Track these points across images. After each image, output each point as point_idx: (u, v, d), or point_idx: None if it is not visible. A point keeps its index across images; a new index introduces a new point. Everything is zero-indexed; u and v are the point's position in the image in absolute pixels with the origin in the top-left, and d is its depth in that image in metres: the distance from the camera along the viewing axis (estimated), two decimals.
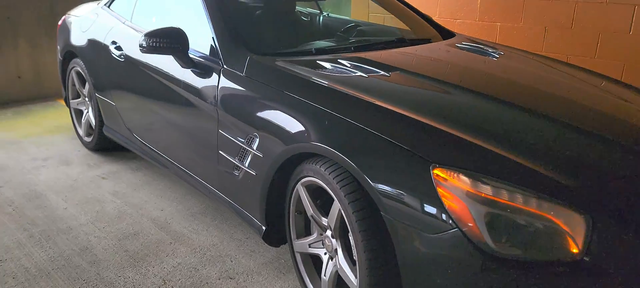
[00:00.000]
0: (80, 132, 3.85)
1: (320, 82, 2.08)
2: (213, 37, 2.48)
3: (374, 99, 1.93)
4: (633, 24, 3.61)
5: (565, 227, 1.51)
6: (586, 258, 1.49)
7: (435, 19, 3.43)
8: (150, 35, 2.43)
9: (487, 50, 2.77)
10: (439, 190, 1.57)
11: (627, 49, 3.67)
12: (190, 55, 2.51)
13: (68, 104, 3.96)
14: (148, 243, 2.58)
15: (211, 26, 2.52)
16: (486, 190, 1.54)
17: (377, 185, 1.67)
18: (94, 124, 3.60)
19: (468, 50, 2.76)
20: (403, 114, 1.82)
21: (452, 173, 1.57)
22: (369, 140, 1.75)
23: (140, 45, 2.45)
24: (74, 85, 3.81)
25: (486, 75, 2.39)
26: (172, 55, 2.51)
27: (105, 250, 2.51)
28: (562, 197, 1.53)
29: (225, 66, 2.37)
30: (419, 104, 1.97)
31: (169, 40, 2.43)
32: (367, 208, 1.75)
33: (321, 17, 3.55)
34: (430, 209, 1.58)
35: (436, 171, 1.59)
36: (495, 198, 1.53)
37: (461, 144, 1.68)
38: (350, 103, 1.93)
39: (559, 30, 3.92)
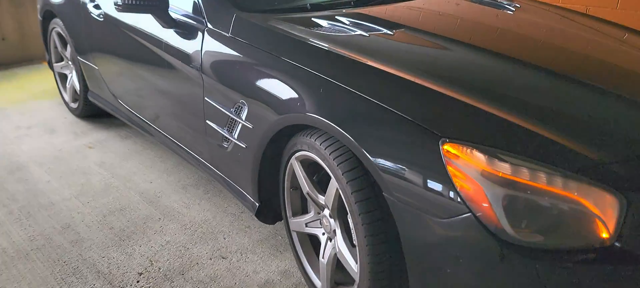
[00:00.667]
0: (66, 97, 3.64)
1: (316, 43, 1.85)
2: None
3: (375, 62, 1.70)
4: None
5: (594, 209, 1.31)
6: (618, 244, 1.30)
7: None
8: None
9: (503, 2, 2.51)
10: (449, 168, 1.36)
11: None
12: (171, 14, 2.27)
13: (52, 68, 3.74)
14: (135, 219, 2.41)
15: None
16: (504, 169, 1.33)
17: (378, 161, 1.47)
18: (79, 89, 3.39)
19: (480, 2, 2.50)
20: (408, 79, 1.59)
21: (465, 148, 1.36)
22: (369, 110, 1.53)
23: (115, 3, 2.21)
24: (55, 47, 3.57)
25: (502, 33, 2.14)
26: (151, 14, 2.26)
27: (88, 227, 2.34)
28: (591, 174, 1.32)
29: (209, 25, 2.13)
30: (426, 67, 1.73)
31: None
32: (367, 188, 1.55)
33: None
34: (439, 190, 1.37)
35: (446, 146, 1.38)
36: (515, 178, 1.32)
37: (475, 114, 1.46)
38: (347, 67, 1.70)
39: None
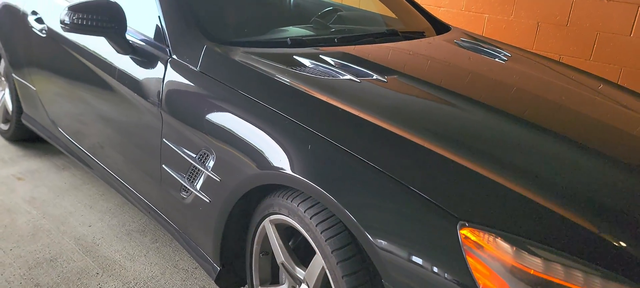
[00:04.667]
0: None
1: (302, 89, 1.57)
2: (159, 16, 1.93)
3: (374, 117, 1.44)
4: (635, 25, 3.28)
5: None
6: None
7: (420, 5, 2.97)
8: (75, 9, 1.85)
9: (491, 50, 2.33)
10: (470, 259, 1.12)
11: (626, 52, 3.34)
12: (129, 38, 1.95)
13: None
14: (67, 273, 2.03)
15: (157, 1, 1.97)
16: (536, 265, 1.10)
17: (378, 241, 1.21)
18: (11, 109, 2.96)
19: (471, 49, 2.31)
20: (415, 143, 1.35)
21: (488, 236, 1.13)
22: (372, 179, 1.27)
23: (62, 22, 1.87)
24: None
25: (510, 89, 1.91)
26: (105, 37, 1.93)
27: (8, 283, 1.95)
28: (634, 273, 1.11)
29: (173, 56, 1.83)
30: (433, 126, 1.49)
31: (100, 17, 1.85)
32: (363, 272, 1.29)
33: None
34: (454, 285, 1.13)
35: (465, 231, 1.14)
36: (548, 277, 1.09)
37: (498, 192, 1.23)
38: (342, 122, 1.44)
39: (553, 27, 3.55)
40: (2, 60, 2.93)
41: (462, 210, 1.17)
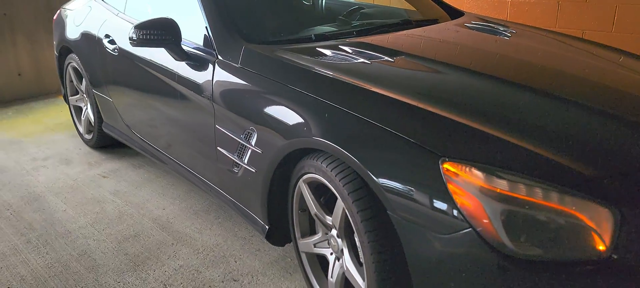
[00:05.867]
0: (81, 129, 3.76)
1: (320, 71, 1.95)
2: (206, 27, 2.35)
3: (376, 87, 1.79)
4: None
5: (590, 223, 1.37)
6: (614, 256, 1.36)
7: None
8: (140, 27, 2.30)
9: (498, 29, 2.61)
10: (450, 186, 1.43)
11: None
12: (184, 47, 2.38)
13: (67, 101, 3.87)
14: (149, 245, 2.48)
15: (204, 14, 2.39)
16: (502, 185, 1.40)
17: (382, 181, 1.54)
18: (93, 120, 3.50)
19: (478, 30, 2.60)
20: (408, 103, 1.68)
21: (464, 167, 1.44)
22: (372, 133, 1.61)
23: (130, 38, 2.32)
24: (71, 81, 3.71)
25: (498, 57, 2.23)
26: (164, 48, 2.38)
27: (104, 253, 2.42)
28: (585, 189, 1.39)
29: (219, 57, 2.24)
30: (425, 91, 1.82)
31: (160, 31, 2.30)
32: (372, 207, 1.62)
33: (324, 1, 3.39)
34: (440, 207, 1.45)
35: (446, 165, 1.45)
36: (512, 194, 1.39)
37: (472, 134, 1.54)
38: (351, 93, 1.79)
39: (573, 4, 3.73)
40: (84, 80, 3.48)
41: (443, 149, 1.49)
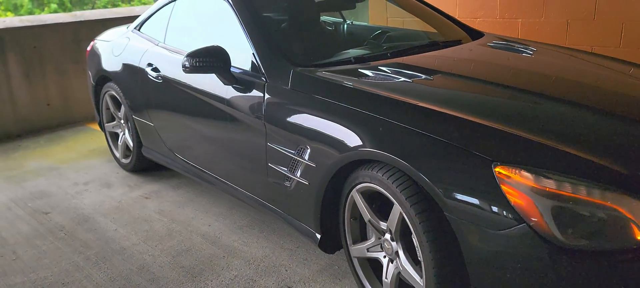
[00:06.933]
0: (117, 154, 3.93)
1: (368, 89, 2.14)
2: (253, 53, 2.55)
3: (424, 102, 1.98)
4: None
5: (628, 215, 1.55)
6: None
7: (456, 18, 3.47)
8: (192, 55, 2.50)
9: (520, 47, 2.82)
10: (503, 187, 1.62)
11: None
12: (232, 72, 2.58)
13: (103, 128, 4.05)
14: (202, 258, 2.64)
15: (250, 42, 2.59)
16: (550, 184, 1.58)
17: (439, 186, 1.72)
18: (132, 145, 3.68)
19: (501, 49, 2.81)
20: (456, 116, 1.87)
21: (514, 169, 1.62)
22: (426, 143, 1.80)
23: (183, 66, 2.51)
24: (108, 108, 3.89)
25: (527, 73, 2.44)
26: (215, 73, 2.57)
27: (161, 267, 2.58)
28: (623, 186, 1.58)
29: (269, 80, 2.43)
30: (468, 104, 2.03)
31: (212, 58, 2.49)
32: (429, 210, 1.80)
33: (345, 25, 3.61)
34: (495, 207, 1.63)
35: (498, 169, 1.64)
36: (560, 191, 1.57)
37: (519, 141, 1.73)
38: (402, 108, 1.98)
39: (582, 23, 3.96)
40: (123, 107, 3.67)
41: (495, 155, 1.67)
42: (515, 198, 1.60)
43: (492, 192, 1.63)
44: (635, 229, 1.55)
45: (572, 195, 1.57)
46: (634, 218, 1.55)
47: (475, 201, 1.66)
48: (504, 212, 1.61)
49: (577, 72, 2.49)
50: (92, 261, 2.67)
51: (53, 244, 2.86)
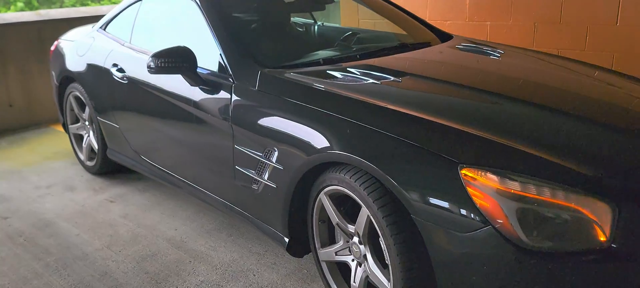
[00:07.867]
0: (82, 156, 3.82)
1: (337, 91, 2.12)
2: (220, 54, 2.50)
3: (391, 104, 1.97)
4: (619, 15, 3.72)
5: (592, 216, 1.57)
6: (614, 245, 1.55)
7: (425, 20, 3.49)
8: (157, 55, 2.43)
9: (487, 50, 2.84)
10: (469, 189, 1.61)
11: (615, 40, 3.78)
12: (199, 73, 2.52)
13: (67, 130, 3.93)
14: (167, 263, 2.58)
15: (217, 43, 2.54)
16: (515, 186, 1.59)
17: (406, 189, 1.71)
18: (97, 147, 3.58)
19: (470, 51, 2.82)
20: (423, 118, 1.86)
21: (480, 172, 1.62)
22: (394, 146, 1.79)
23: (148, 66, 2.45)
24: (72, 110, 3.78)
25: (494, 75, 2.45)
26: (181, 74, 2.51)
27: (125, 273, 2.50)
28: (586, 187, 1.59)
29: (236, 82, 2.39)
30: (435, 106, 2.02)
31: (177, 59, 2.43)
32: (396, 212, 1.79)
33: (316, 27, 3.59)
34: (461, 209, 1.62)
35: (464, 171, 1.63)
36: (524, 193, 1.58)
37: (485, 143, 1.73)
38: (369, 110, 1.96)
39: (548, 26, 4.03)
40: (87, 108, 3.56)
41: (461, 157, 1.67)
42: (481, 200, 1.60)
43: (458, 194, 1.62)
44: (599, 230, 1.56)
45: (537, 197, 1.57)
46: (597, 220, 1.56)
47: (441, 203, 1.66)
48: (471, 214, 1.60)
49: (544, 74, 2.52)
50: (52, 268, 2.58)
51: (11, 251, 2.76)
